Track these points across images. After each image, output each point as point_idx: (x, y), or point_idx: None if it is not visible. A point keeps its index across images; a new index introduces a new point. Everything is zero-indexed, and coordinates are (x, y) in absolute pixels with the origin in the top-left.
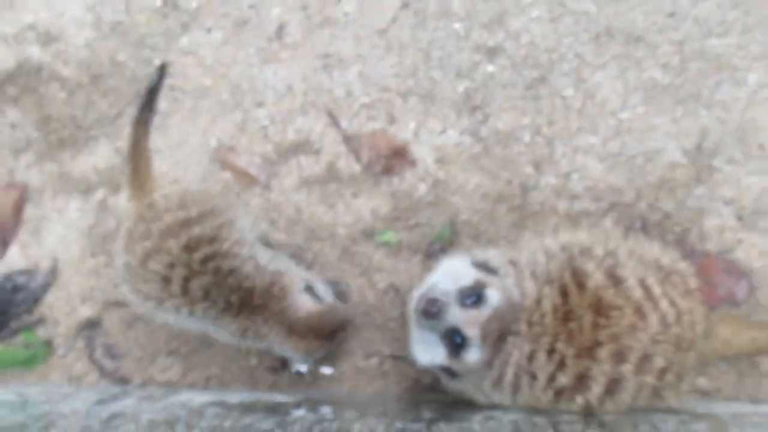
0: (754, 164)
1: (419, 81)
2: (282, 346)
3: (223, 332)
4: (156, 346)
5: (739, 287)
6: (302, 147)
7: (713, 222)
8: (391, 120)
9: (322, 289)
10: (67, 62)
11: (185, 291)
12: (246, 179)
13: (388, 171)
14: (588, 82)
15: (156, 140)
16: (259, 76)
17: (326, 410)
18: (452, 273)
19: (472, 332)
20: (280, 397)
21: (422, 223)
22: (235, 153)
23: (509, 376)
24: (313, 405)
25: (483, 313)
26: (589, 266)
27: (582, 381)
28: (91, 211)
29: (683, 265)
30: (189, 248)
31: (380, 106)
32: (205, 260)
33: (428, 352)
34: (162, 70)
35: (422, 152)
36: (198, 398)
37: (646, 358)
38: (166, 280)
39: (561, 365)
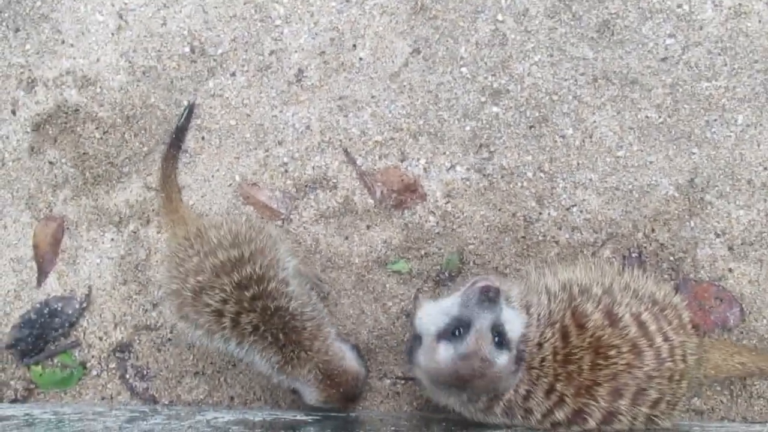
0: (743, 198)
1: (429, 121)
2: (308, 385)
3: (265, 363)
4: (183, 367)
5: (732, 313)
6: (320, 182)
7: (705, 252)
8: (403, 157)
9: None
10: (102, 104)
11: (236, 325)
12: (267, 212)
13: (400, 204)
14: (587, 122)
15: (184, 177)
16: (279, 117)
17: (338, 427)
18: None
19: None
20: (299, 416)
21: (432, 252)
22: (258, 188)
23: (499, 408)
24: (328, 424)
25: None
26: (588, 307)
27: (579, 415)
28: (123, 242)
29: (677, 300)
30: (241, 286)
31: (392, 144)
32: (254, 298)
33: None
34: (190, 111)
35: (432, 187)
36: (222, 417)
37: (640, 392)
38: (218, 314)
39: (559, 403)
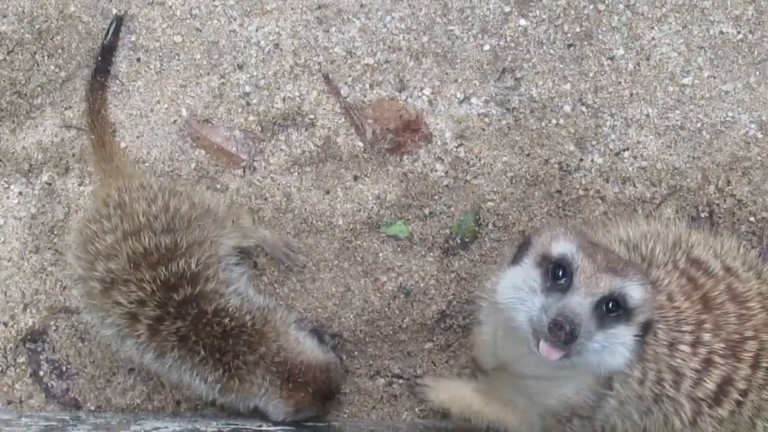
0: None
1: (436, 37)
2: (268, 397)
3: (199, 383)
4: (114, 362)
5: None
6: (292, 119)
7: None
8: (402, 86)
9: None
10: (6, 14)
11: (155, 333)
12: (224, 158)
13: (397, 148)
14: (642, 39)
15: (114, 111)
16: (239, 32)
17: None
18: None
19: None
20: (264, 426)
21: (439, 211)
22: (211, 126)
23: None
24: None
25: None
26: (701, 253)
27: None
28: (34, 197)
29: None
30: (168, 286)
31: (388, 68)
32: (184, 302)
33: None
34: (119, 24)
35: (439, 125)
36: (166, 427)
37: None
38: (132, 318)
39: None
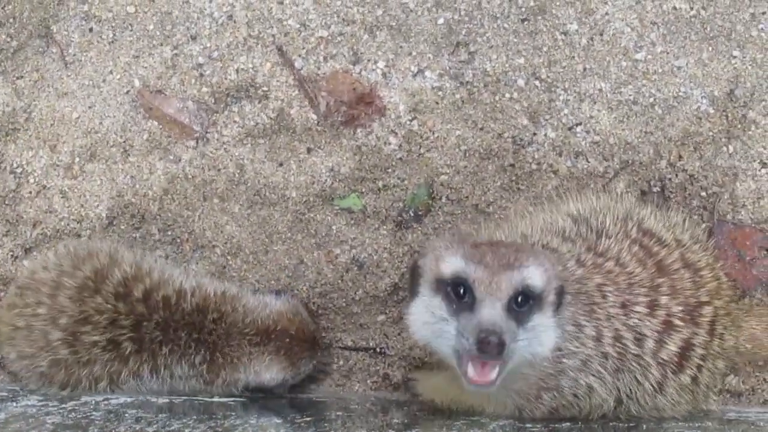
0: None
1: (390, 10)
2: (259, 368)
3: (189, 369)
4: None
5: None
6: (246, 90)
7: (748, 186)
8: (356, 59)
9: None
10: None
11: (141, 343)
12: (176, 129)
13: (351, 121)
14: (596, 14)
15: (66, 80)
16: (193, 2)
17: (270, 415)
18: None
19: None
20: (216, 398)
21: (392, 184)
22: (164, 97)
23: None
24: (254, 409)
25: None
26: (652, 224)
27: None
28: None
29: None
30: (120, 295)
31: (342, 41)
32: (147, 295)
33: None
34: None
35: (393, 98)
36: (116, 398)
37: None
38: (113, 344)
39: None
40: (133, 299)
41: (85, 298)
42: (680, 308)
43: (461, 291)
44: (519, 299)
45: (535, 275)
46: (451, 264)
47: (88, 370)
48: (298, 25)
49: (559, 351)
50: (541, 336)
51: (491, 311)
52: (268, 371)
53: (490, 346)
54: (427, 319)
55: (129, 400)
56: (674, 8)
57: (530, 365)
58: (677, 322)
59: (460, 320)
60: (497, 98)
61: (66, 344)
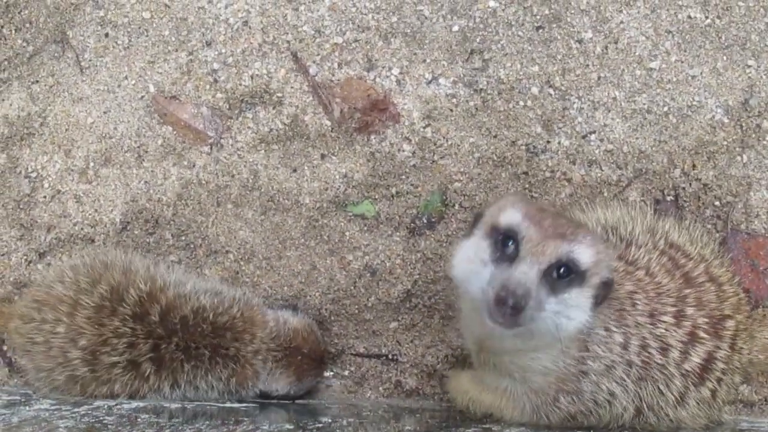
0: None
1: (405, 17)
2: (270, 377)
3: (216, 383)
4: None
5: None
6: (260, 97)
7: (761, 195)
8: (370, 65)
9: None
10: None
11: (160, 363)
12: (190, 135)
13: (365, 128)
14: (611, 23)
15: (81, 85)
16: (208, 9)
17: (282, 421)
18: None
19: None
20: (228, 403)
21: (406, 191)
22: (178, 102)
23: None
24: (266, 415)
25: None
26: (677, 238)
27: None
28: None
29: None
30: (138, 316)
31: (357, 47)
32: (162, 319)
33: None
34: None
35: (407, 105)
36: (128, 403)
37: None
38: (133, 365)
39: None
40: (151, 321)
41: (103, 320)
42: (705, 320)
43: (509, 243)
44: (561, 270)
45: (583, 252)
46: (510, 216)
47: (107, 388)
48: (312, 32)
49: (587, 352)
50: (570, 311)
51: (526, 272)
52: (277, 383)
53: (505, 306)
54: (471, 257)
55: (142, 404)
56: (689, 17)
57: (550, 346)
58: (702, 334)
59: (496, 269)
60: (511, 106)
61: (85, 363)
